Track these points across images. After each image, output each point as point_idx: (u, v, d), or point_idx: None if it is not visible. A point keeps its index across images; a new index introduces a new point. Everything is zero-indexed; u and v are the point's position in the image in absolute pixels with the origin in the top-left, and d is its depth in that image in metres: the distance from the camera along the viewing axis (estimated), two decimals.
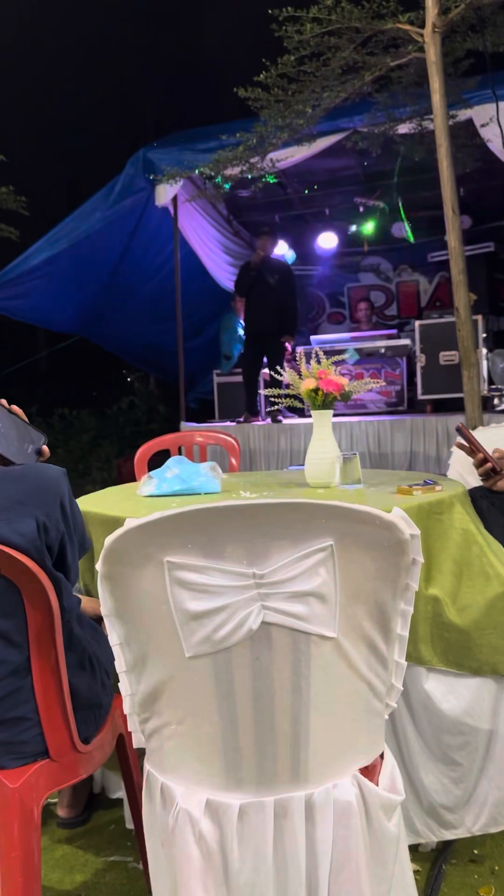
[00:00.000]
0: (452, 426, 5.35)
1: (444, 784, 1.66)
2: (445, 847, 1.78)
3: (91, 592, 1.86)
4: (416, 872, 1.31)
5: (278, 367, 2.12)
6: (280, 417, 5.78)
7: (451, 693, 1.67)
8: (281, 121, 4.15)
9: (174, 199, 6.05)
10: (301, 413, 6.17)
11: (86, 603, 1.61)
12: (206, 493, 1.99)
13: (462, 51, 4.25)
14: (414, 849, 1.71)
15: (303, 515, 1.08)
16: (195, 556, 1.07)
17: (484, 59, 4.37)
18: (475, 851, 1.78)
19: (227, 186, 4.89)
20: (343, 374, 2.08)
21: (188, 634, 1.09)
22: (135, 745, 1.25)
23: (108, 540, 1.08)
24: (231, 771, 1.14)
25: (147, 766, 1.25)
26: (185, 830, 1.16)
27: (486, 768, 1.64)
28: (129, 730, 1.23)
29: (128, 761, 1.63)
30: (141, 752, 1.28)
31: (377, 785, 1.21)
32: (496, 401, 5.70)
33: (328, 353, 2.17)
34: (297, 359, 2.12)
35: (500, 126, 4.75)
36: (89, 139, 9.04)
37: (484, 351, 5.69)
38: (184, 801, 1.17)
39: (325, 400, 2.02)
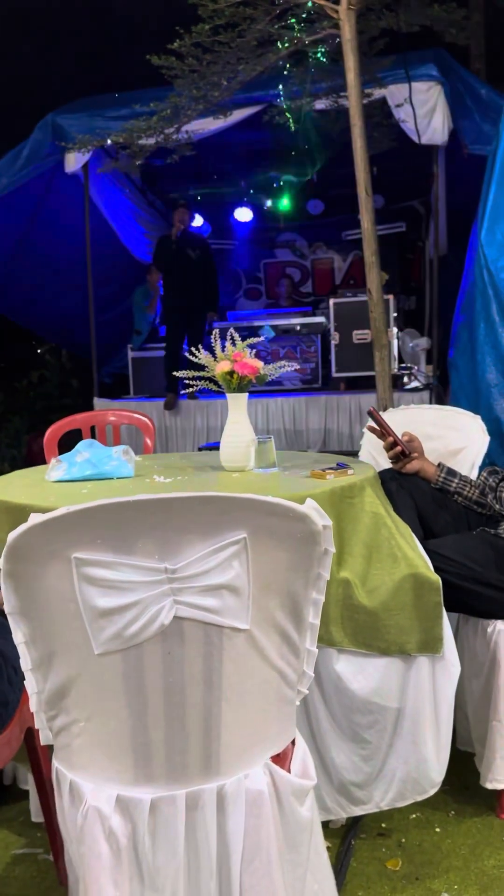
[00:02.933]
0: (365, 404, 5.45)
1: (353, 762, 1.70)
2: (355, 823, 1.83)
3: None
4: (326, 849, 1.34)
5: (193, 349, 2.08)
6: (196, 394, 5.73)
7: (360, 673, 1.70)
8: (196, 92, 4.05)
9: (85, 166, 5.85)
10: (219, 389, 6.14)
11: None
12: (118, 478, 1.95)
13: (377, 29, 4.25)
14: (324, 825, 1.75)
15: (216, 509, 1.06)
16: (104, 552, 1.04)
17: (398, 39, 4.39)
18: (383, 825, 1.84)
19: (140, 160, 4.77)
20: (258, 349, 2.07)
21: (97, 632, 1.06)
22: (42, 743, 1.22)
23: (11, 536, 1.03)
24: (141, 766, 1.13)
25: (55, 763, 1.23)
26: (94, 827, 1.14)
27: (394, 745, 1.69)
28: (36, 727, 1.20)
29: (36, 755, 1.59)
30: (52, 747, 1.25)
31: (289, 771, 1.23)
32: (406, 379, 5.84)
33: (244, 330, 2.15)
34: (213, 338, 2.09)
35: (412, 107, 4.80)
36: None
37: (395, 330, 5.80)
38: (93, 798, 1.15)
39: (240, 383, 2.00)
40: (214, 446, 2.27)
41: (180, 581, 1.06)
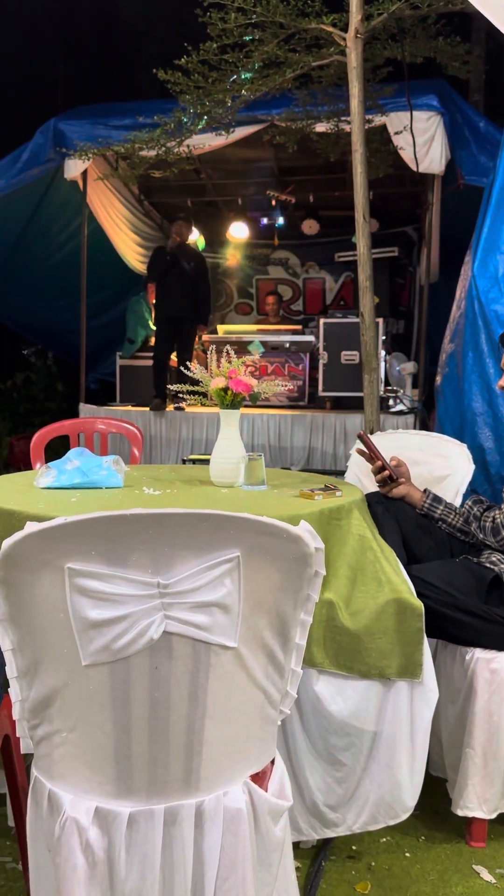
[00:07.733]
0: (351, 424, 5.48)
1: (328, 783, 1.70)
2: (325, 844, 1.83)
3: None
4: (296, 869, 1.34)
5: (187, 363, 2.10)
6: (183, 405, 5.74)
7: (339, 695, 1.71)
8: (200, 108, 4.10)
9: (84, 173, 5.87)
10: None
11: None
12: (107, 488, 1.95)
13: (381, 58, 4.33)
14: (295, 846, 1.75)
15: (211, 526, 1.07)
16: (98, 564, 1.05)
17: (401, 68, 4.47)
18: (353, 848, 1.84)
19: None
20: (247, 366, 2.09)
21: (86, 643, 1.07)
22: (22, 751, 1.21)
23: (6, 544, 1.04)
24: (122, 779, 1.13)
25: (35, 772, 1.22)
26: (71, 838, 1.14)
27: (368, 768, 1.70)
28: (18, 735, 1.19)
29: (13, 762, 1.58)
30: (30, 755, 1.25)
31: (266, 791, 1.23)
32: (391, 402, 5.89)
33: (234, 344, 2.17)
34: (208, 352, 2.11)
35: (412, 135, 4.88)
36: None
37: (382, 353, 5.85)
38: (71, 809, 1.14)
39: (233, 400, 2.02)
40: (202, 459, 2.28)
41: (172, 596, 1.06)
